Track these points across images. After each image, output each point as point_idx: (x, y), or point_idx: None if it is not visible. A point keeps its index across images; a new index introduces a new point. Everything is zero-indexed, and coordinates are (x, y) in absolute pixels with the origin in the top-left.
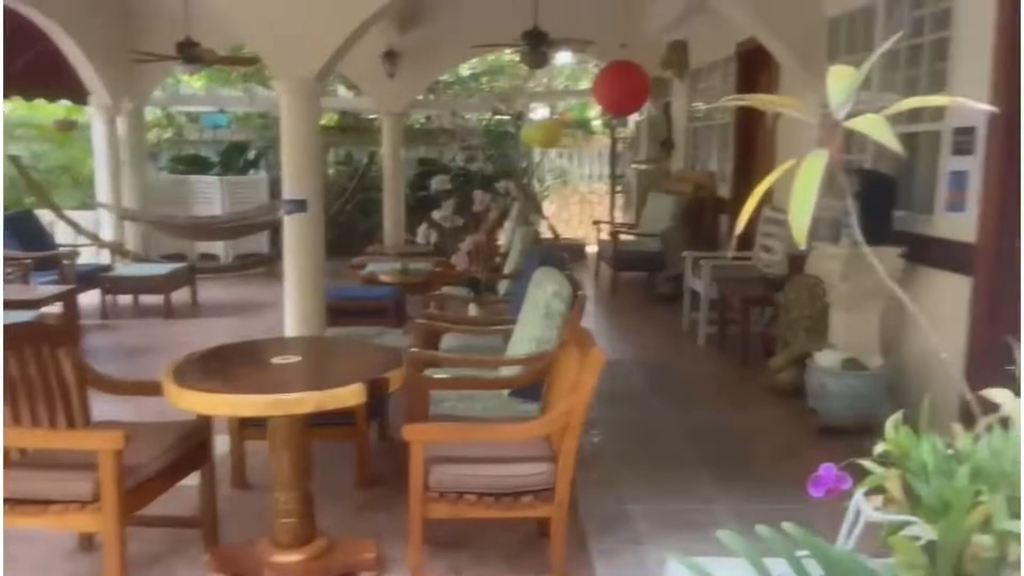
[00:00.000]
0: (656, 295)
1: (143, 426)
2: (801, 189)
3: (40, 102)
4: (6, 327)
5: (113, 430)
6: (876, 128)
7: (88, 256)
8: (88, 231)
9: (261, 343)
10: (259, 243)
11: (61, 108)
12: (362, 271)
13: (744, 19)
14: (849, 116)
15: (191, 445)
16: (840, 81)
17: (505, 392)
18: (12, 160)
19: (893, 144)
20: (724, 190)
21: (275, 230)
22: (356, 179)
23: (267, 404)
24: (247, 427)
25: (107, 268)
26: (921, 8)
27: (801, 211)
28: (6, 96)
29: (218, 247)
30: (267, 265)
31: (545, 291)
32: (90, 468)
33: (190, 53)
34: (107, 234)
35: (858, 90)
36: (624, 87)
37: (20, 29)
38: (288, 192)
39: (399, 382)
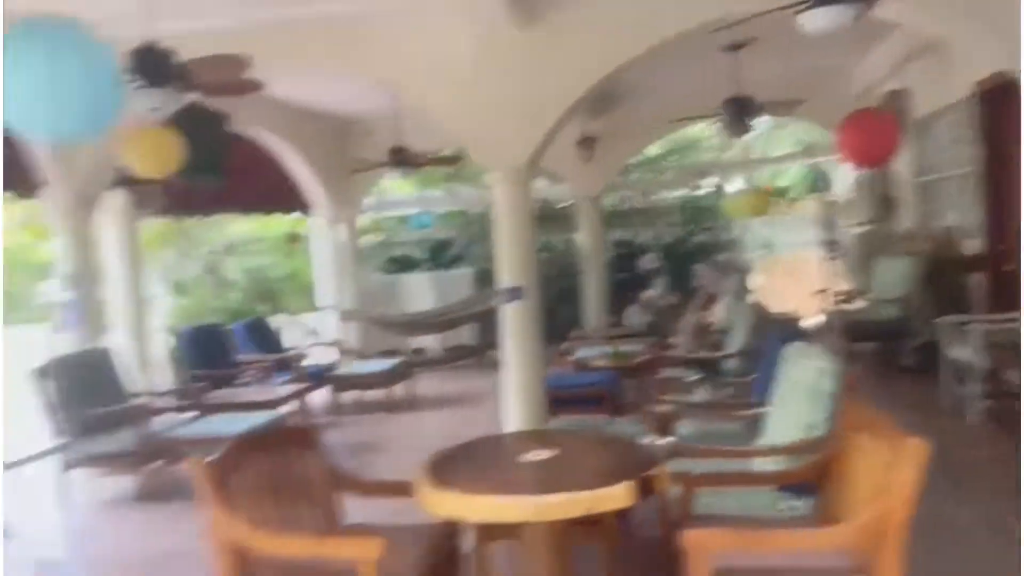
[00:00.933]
0: (899, 368)
1: (392, 529)
2: None
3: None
4: (255, 432)
5: (369, 537)
6: None
7: (313, 356)
8: (318, 334)
9: (506, 438)
10: (466, 335)
11: (285, 223)
12: (571, 357)
13: (989, 52)
14: None
15: (443, 552)
16: None
17: (766, 488)
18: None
19: None
20: (969, 247)
21: (481, 321)
22: (560, 265)
23: (533, 507)
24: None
25: (332, 367)
26: None
27: None
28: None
29: (428, 341)
30: (475, 356)
31: (806, 369)
32: None
33: (401, 158)
34: (329, 335)
35: None
36: (873, 135)
37: (254, 155)
38: (504, 280)
39: (666, 480)
